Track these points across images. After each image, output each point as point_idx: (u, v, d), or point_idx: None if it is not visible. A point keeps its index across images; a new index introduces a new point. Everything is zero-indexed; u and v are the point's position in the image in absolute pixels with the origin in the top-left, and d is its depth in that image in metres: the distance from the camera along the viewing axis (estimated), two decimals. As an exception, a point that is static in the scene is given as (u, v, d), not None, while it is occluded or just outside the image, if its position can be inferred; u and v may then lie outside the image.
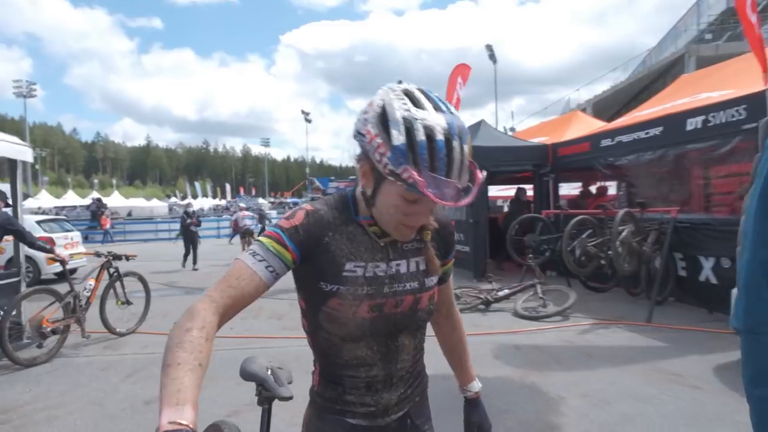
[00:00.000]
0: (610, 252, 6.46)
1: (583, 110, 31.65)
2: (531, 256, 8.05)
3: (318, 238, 1.10)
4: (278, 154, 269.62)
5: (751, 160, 5.69)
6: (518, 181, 11.63)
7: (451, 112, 1.03)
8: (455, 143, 0.99)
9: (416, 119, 0.98)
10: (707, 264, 6.31)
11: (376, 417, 1.19)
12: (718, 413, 3.46)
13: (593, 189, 10.14)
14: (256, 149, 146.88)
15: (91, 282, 5.84)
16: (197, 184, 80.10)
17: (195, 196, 68.82)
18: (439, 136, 0.98)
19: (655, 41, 32.96)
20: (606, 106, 27.44)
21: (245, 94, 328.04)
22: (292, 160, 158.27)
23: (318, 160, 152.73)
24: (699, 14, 27.93)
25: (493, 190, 14.41)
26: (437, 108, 1.02)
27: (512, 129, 35.06)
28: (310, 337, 1.21)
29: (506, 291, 7.03)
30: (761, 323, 1.07)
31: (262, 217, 14.26)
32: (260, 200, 63.54)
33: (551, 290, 6.84)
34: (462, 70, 12.66)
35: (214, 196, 70.53)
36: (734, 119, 5.88)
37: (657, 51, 29.94)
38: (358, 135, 1.07)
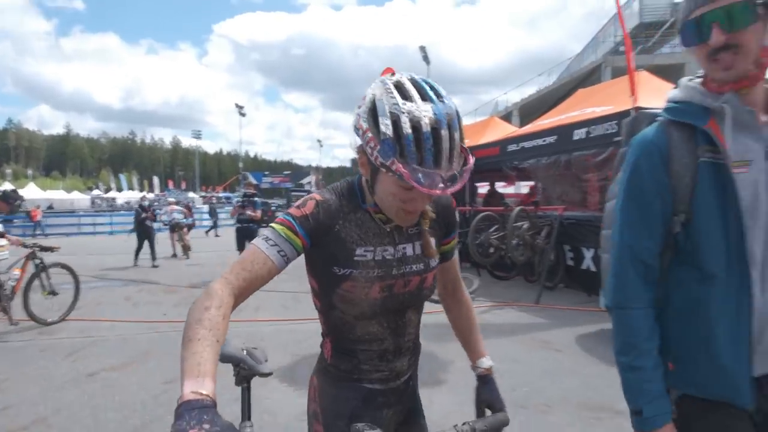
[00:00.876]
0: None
1: (511, 113, 33.49)
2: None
3: (329, 227, 1.15)
4: (210, 146, 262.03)
5: (619, 166, 6.81)
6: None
7: (441, 100, 1.07)
8: (443, 132, 1.03)
9: (403, 112, 1.03)
10: (588, 254, 7.40)
11: (389, 381, 1.28)
12: (571, 369, 4.38)
13: (526, 189, 11.22)
14: (187, 141, 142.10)
15: (17, 272, 6.02)
16: (122, 177, 76.66)
17: (120, 189, 65.99)
18: (426, 128, 1.02)
19: (579, 48, 34.98)
20: (533, 109, 28.58)
21: (175, 83, 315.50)
22: (224, 153, 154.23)
23: (252, 154, 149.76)
24: (616, 27, 30.34)
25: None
26: (425, 98, 1.05)
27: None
28: (322, 315, 1.28)
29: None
30: (628, 299, 1.22)
31: (213, 211, 13.72)
32: (190, 194, 61.88)
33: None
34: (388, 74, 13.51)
35: (141, 189, 67.82)
36: (608, 132, 6.98)
37: (579, 59, 31.93)
38: (355, 129, 1.13)
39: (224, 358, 1.41)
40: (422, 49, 36.55)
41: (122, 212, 33.65)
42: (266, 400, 3.75)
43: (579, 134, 7.55)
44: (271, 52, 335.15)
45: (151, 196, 55.66)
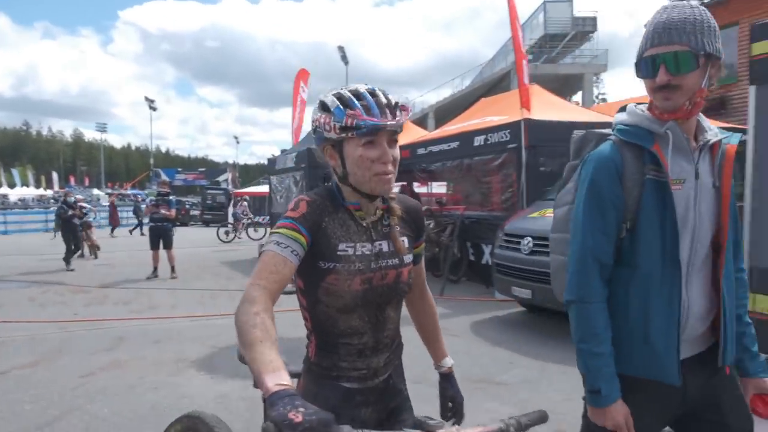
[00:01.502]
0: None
1: (427, 114, 34.59)
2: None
3: (319, 223, 1.26)
4: (117, 140, 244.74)
5: (512, 171, 7.63)
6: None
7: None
8: (378, 92, 1.26)
9: (342, 90, 1.27)
10: (487, 250, 8.18)
11: (367, 379, 1.35)
12: (463, 350, 4.99)
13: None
14: (91, 134, 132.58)
15: None
16: (15, 171, 70.31)
17: (12, 185, 60.56)
18: (363, 90, 1.25)
19: (492, 54, 36.61)
20: (447, 112, 29.25)
21: (76, 71, 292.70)
22: (133, 148, 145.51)
23: (164, 149, 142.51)
24: (524, 36, 32.30)
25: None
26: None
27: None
28: (307, 312, 1.36)
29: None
30: (589, 294, 1.36)
31: (137, 209, 12.36)
32: (95, 191, 58.14)
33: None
34: (302, 75, 13.97)
35: (38, 186, 62.70)
36: (503, 140, 7.78)
37: (491, 64, 33.56)
38: (314, 132, 1.30)
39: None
40: (340, 49, 36.94)
41: (17, 210, 31.22)
42: (184, 386, 4.03)
43: (478, 140, 8.32)
44: (183, 43, 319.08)
45: (49, 193, 51.76)
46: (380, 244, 1.35)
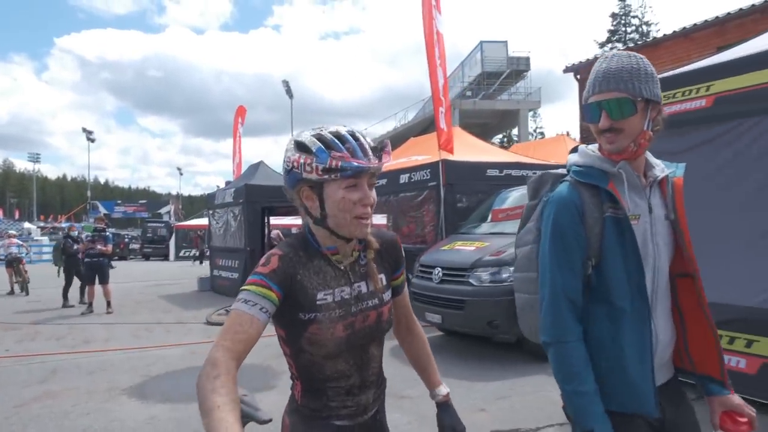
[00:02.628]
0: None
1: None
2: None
3: (292, 277, 1.24)
4: (51, 171, 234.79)
5: (433, 207, 8.37)
6: (296, 212, 13.55)
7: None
8: (359, 135, 1.25)
9: (322, 131, 1.25)
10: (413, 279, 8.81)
11: (357, 416, 1.36)
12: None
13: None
14: (22, 164, 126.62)
15: None
16: (-63, 204, 66.10)
17: (-67, 219, 56.87)
18: (344, 131, 1.24)
19: (434, 90, 37.54)
20: (393, 143, 30.30)
21: (7, 99, 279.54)
22: (69, 179, 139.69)
23: (103, 181, 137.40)
24: (463, 73, 33.85)
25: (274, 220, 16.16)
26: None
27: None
28: (291, 359, 1.34)
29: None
30: (565, 333, 1.36)
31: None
32: (26, 224, 55.40)
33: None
34: (241, 112, 14.90)
35: (-38, 219, 59.04)
36: (424, 178, 8.55)
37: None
38: (288, 173, 1.27)
39: None
40: (285, 83, 37.53)
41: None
42: (116, 411, 4.37)
43: (404, 178, 9.07)
44: (124, 72, 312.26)
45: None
46: (359, 286, 1.35)
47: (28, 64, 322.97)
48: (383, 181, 9.58)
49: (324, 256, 1.33)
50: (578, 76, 15.97)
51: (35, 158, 79.68)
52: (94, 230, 9.99)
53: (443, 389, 1.55)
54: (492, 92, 31.84)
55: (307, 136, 1.25)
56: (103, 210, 49.26)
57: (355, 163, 1.20)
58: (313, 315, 1.26)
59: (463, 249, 6.30)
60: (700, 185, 3.63)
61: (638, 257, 1.37)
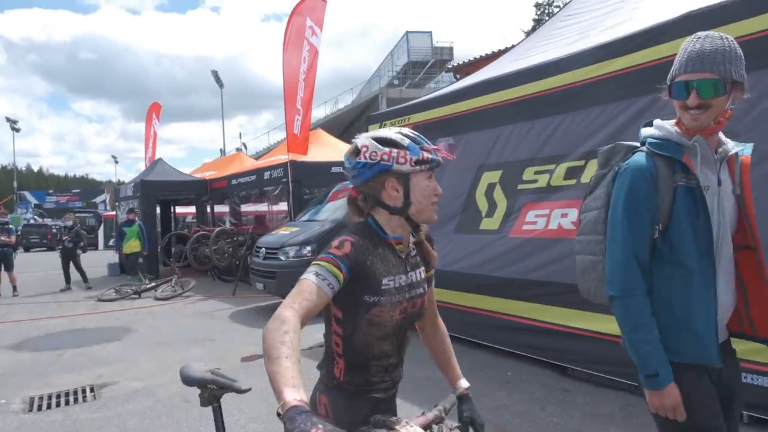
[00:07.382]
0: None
1: (315, 129, 35.12)
2: (171, 258, 11.79)
3: (362, 263, 1.37)
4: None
5: (285, 199, 10.29)
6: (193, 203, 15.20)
7: None
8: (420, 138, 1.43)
9: (402, 130, 1.43)
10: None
11: (389, 389, 1.52)
12: (219, 327, 7.41)
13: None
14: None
15: None
16: None
17: None
18: (407, 131, 1.43)
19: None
20: (335, 125, 29.51)
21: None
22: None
23: (36, 168, 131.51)
24: (393, 62, 35.09)
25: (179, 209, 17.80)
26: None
27: (238, 149, 38.16)
28: (342, 339, 1.44)
29: (152, 284, 10.48)
30: (633, 288, 1.51)
31: (78, 235, 12.20)
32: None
33: (182, 280, 10.51)
34: (155, 108, 16.29)
35: None
36: (279, 175, 10.43)
37: (368, 86, 35.35)
38: (370, 167, 1.39)
39: (193, 381, 1.55)
40: (214, 73, 37.92)
41: None
42: (-8, 357, 6.06)
43: (267, 175, 10.93)
44: (54, 55, 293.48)
45: None
46: (412, 275, 1.49)
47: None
48: (253, 177, 11.42)
49: (388, 245, 1.45)
50: (457, 76, 17.86)
51: (-40, 147, 75.59)
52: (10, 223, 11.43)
53: (464, 383, 1.63)
54: (418, 81, 33.34)
55: (392, 134, 1.41)
56: (33, 200, 48.51)
57: (444, 153, 1.41)
58: (377, 298, 1.39)
59: (281, 233, 8.26)
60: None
61: (708, 224, 1.47)
